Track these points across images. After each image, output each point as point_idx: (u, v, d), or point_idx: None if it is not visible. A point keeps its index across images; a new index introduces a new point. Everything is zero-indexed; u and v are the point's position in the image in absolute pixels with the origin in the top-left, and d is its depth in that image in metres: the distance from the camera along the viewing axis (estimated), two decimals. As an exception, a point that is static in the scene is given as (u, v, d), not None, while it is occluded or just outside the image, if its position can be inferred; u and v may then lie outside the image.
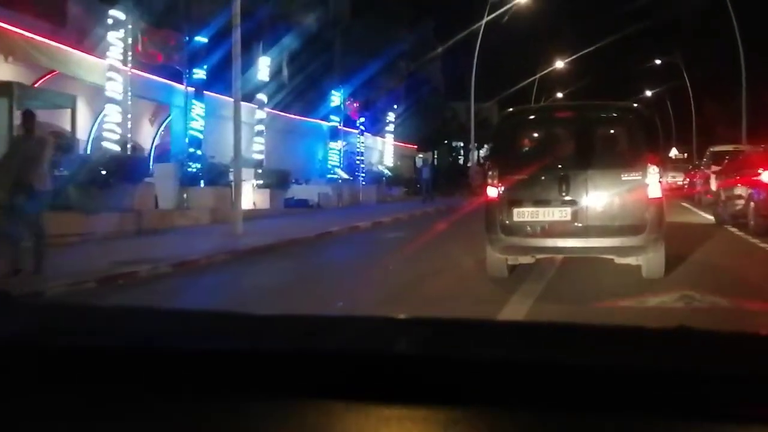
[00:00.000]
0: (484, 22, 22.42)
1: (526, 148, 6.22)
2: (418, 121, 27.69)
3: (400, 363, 0.73)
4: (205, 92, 13.96)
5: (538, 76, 32.08)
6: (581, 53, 28.89)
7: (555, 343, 0.76)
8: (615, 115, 6.03)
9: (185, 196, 12.48)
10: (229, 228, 9.32)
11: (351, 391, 0.71)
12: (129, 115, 11.98)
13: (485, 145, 41.70)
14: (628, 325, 0.80)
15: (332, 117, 21.45)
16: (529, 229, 5.54)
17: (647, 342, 0.76)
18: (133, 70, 12.13)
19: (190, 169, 13.23)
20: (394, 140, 28.16)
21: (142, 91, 12.91)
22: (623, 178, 5.35)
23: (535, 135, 6.35)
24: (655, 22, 31.60)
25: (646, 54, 38.33)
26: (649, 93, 41.87)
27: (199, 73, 13.92)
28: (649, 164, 5.27)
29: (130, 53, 11.91)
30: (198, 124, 14.09)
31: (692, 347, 0.73)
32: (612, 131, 6.00)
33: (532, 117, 6.52)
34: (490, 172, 5.84)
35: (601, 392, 0.68)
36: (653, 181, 5.27)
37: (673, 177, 23.76)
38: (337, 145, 21.63)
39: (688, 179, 20.59)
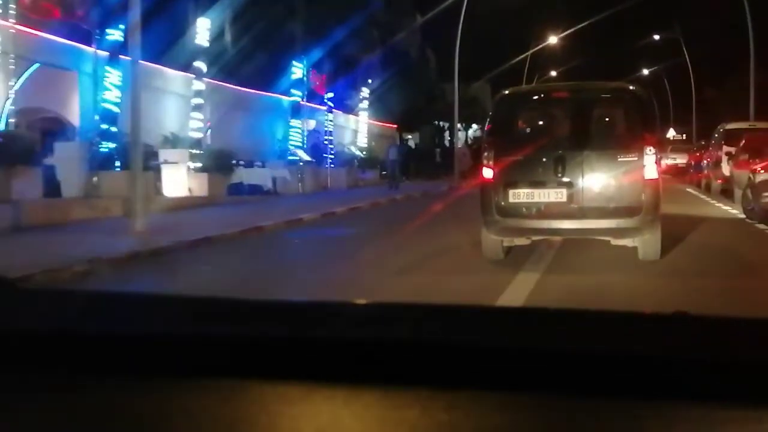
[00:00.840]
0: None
1: (522, 129, 7.28)
2: (397, 98, 28.63)
3: (396, 348, 0.85)
4: (121, 57, 12.68)
5: (530, 52, 34.33)
6: (575, 28, 30.76)
7: (551, 327, 0.88)
8: (611, 95, 7.13)
9: (95, 181, 12.01)
10: (139, 222, 8.67)
11: (347, 376, 0.82)
12: (12, 82, 11.43)
13: (474, 126, 44.21)
14: (624, 310, 0.94)
15: (293, 91, 22.01)
16: (524, 210, 6.57)
17: (643, 326, 0.89)
18: (18, 26, 11.49)
19: (102, 149, 12.71)
20: (369, 119, 29.14)
21: (35, 54, 12.19)
22: (619, 159, 6.40)
23: (531, 116, 7.40)
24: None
25: (643, 29, 40.94)
26: (646, 71, 45.33)
27: (114, 34, 13.12)
28: (645, 145, 6.33)
29: (11, 4, 11.31)
30: (113, 95, 13.30)
31: (689, 332, 0.85)
32: (608, 112, 7.09)
33: (528, 98, 7.59)
34: (485, 153, 6.83)
35: (599, 376, 0.79)
36: (650, 163, 6.31)
37: (674, 159, 25.35)
38: (300, 123, 22.26)
39: (692, 161, 21.57)
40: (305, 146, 22.31)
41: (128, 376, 0.86)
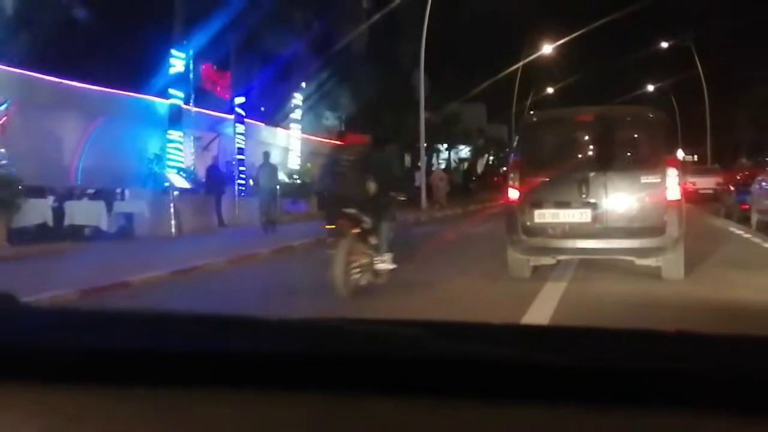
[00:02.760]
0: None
1: (547, 151, 11.08)
2: (345, 108, 32.27)
3: (410, 364, 1.35)
4: None
5: (520, 64, 41.96)
6: (573, 36, 36.90)
7: (559, 345, 1.42)
8: (634, 118, 11.17)
9: None
10: None
11: (364, 389, 1.33)
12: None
13: (456, 147, 51.16)
14: (630, 328, 1.44)
15: (172, 91, 23.11)
16: (549, 230, 10.33)
17: (648, 344, 1.42)
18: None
19: None
20: (304, 133, 32.24)
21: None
22: (642, 181, 10.19)
23: (556, 138, 11.25)
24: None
25: (649, 38, 48.60)
26: (651, 87, 54.97)
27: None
28: (667, 166, 10.15)
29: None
30: None
31: (691, 349, 1.37)
32: (631, 134, 11.04)
33: (552, 121, 11.54)
34: (511, 174, 10.58)
35: (605, 391, 1.27)
36: (672, 184, 10.11)
37: (693, 182, 29.99)
38: (180, 135, 23.35)
39: (729, 186, 24.33)
40: (190, 168, 23.50)
41: (136, 388, 1.39)
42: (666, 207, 10.03)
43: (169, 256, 14.57)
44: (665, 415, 1.24)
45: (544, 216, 10.30)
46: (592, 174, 10.18)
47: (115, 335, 1.52)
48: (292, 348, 1.43)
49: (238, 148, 26.71)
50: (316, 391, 1.34)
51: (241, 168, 26.26)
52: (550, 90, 53.79)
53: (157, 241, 17.74)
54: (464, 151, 65.50)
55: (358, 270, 9.54)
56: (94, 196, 18.63)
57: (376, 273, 9.91)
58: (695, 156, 56.07)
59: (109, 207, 18.56)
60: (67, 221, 17.63)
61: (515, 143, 11.23)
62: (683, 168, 11.18)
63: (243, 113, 27.22)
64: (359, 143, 10.48)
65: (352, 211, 9.53)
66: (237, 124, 26.98)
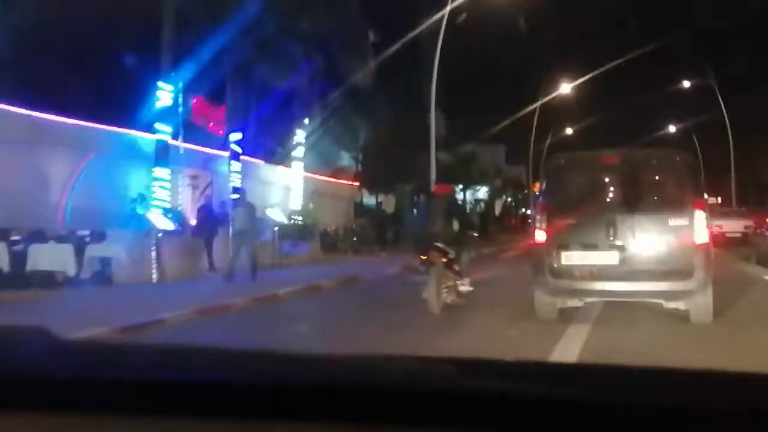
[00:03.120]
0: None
1: (574, 193, 11.96)
2: (352, 144, 33.16)
3: (428, 398, 1.53)
4: None
5: (538, 103, 44.67)
6: (591, 74, 38.43)
7: (581, 382, 1.58)
8: (661, 160, 12.09)
9: None
10: None
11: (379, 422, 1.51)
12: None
13: (473, 188, 53.31)
14: (656, 366, 1.61)
15: (159, 126, 23.22)
16: (577, 272, 11.20)
17: (673, 382, 1.57)
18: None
19: None
20: (306, 171, 33.08)
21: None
22: (670, 223, 11.05)
23: (583, 180, 12.14)
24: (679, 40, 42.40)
25: (671, 77, 50.57)
26: (673, 128, 57.65)
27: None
28: (695, 209, 10.99)
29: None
30: None
31: (717, 387, 1.51)
32: (658, 176, 11.95)
33: (579, 162, 12.49)
34: (538, 216, 11.45)
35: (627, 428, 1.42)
36: (700, 226, 10.97)
37: (719, 225, 29.72)
38: (167, 173, 23.52)
39: (767, 230, 24.88)
40: (177, 208, 23.87)
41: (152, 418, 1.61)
42: (694, 250, 10.86)
43: (132, 306, 14.09)
44: None
45: (571, 258, 11.16)
46: (619, 216, 11.05)
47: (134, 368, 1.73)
48: (322, 380, 1.63)
49: (234, 188, 26.59)
50: (348, 424, 1.57)
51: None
52: (569, 131, 56.93)
53: (134, 288, 17.45)
54: (482, 191, 67.40)
55: (446, 291, 13.05)
56: (61, 240, 18.21)
57: (459, 293, 13.47)
58: (719, 198, 57.72)
59: (80, 251, 18.05)
60: (29, 267, 17.12)
61: (543, 185, 12.10)
62: (710, 211, 12.03)
63: (239, 150, 27.76)
64: (446, 192, 15.73)
65: (440, 245, 13.10)
66: (232, 161, 27.51)
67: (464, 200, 47.62)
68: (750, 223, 29.46)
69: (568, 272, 11.13)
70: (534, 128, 51.25)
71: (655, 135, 54.43)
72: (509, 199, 76.54)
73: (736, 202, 48.17)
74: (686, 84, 51.04)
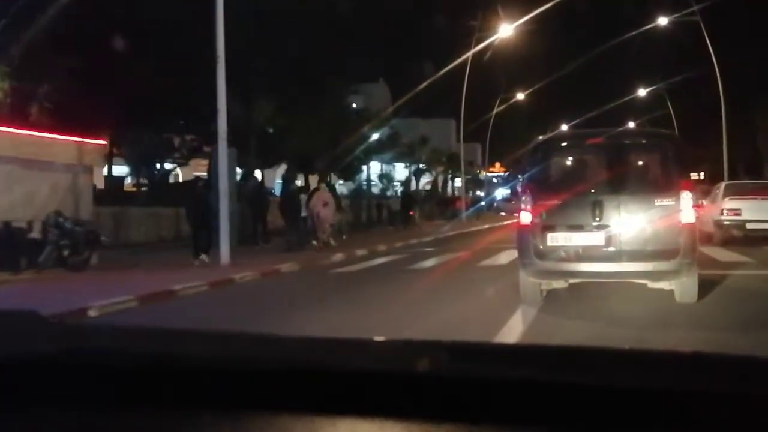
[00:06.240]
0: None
1: (559, 174, 11.97)
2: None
3: (415, 383, 1.54)
4: None
5: (471, 52, 43.25)
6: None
7: (565, 364, 1.59)
8: (647, 141, 12.11)
9: None
10: None
11: (368, 408, 1.50)
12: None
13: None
14: (642, 348, 2.01)
15: None
16: (562, 253, 11.16)
17: (660, 364, 1.60)
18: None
19: None
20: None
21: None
22: (656, 204, 11.04)
23: (568, 161, 12.20)
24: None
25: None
26: (643, 92, 58.08)
27: None
28: (682, 189, 11.01)
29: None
30: None
31: (706, 371, 1.53)
32: (644, 157, 11.99)
33: (564, 143, 12.48)
34: (523, 198, 11.35)
35: (614, 412, 1.43)
36: (686, 207, 10.98)
37: (734, 210, 25.57)
38: None
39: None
40: None
41: (146, 408, 1.60)
42: (680, 230, 10.87)
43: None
44: None
45: (557, 239, 11.12)
46: (605, 197, 11.01)
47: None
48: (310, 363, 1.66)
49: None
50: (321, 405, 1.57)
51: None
52: (520, 95, 57.35)
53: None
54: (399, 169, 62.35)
55: None
56: None
57: None
58: (701, 173, 55.61)
59: None
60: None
61: (527, 166, 12.06)
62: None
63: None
64: None
65: None
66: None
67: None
68: None
69: (553, 253, 11.10)
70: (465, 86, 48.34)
71: (625, 99, 54.18)
72: (448, 176, 71.75)
73: (729, 176, 39.70)
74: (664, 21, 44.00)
